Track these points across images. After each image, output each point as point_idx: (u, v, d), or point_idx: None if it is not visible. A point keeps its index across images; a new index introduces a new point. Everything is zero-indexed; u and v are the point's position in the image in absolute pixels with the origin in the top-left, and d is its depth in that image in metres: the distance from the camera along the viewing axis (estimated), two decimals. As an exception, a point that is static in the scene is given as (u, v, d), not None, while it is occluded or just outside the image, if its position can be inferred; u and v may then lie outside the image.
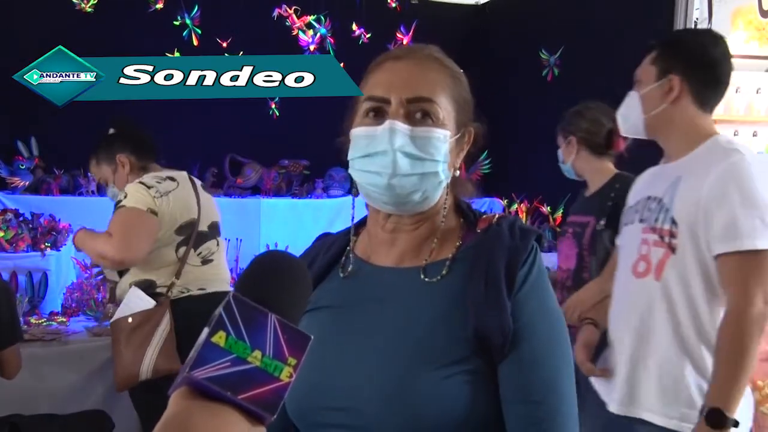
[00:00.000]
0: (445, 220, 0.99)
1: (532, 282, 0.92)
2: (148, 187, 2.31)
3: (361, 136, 0.94)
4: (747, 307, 1.50)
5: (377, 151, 0.92)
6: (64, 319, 3.04)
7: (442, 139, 0.93)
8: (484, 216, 1.00)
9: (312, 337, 0.58)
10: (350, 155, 0.96)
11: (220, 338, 0.56)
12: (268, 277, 0.64)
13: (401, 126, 0.91)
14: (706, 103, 1.72)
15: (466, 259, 0.95)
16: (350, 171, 0.97)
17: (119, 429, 2.56)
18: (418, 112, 0.93)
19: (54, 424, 2.36)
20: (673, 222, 1.62)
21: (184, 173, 2.52)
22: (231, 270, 3.44)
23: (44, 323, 2.98)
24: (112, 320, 2.35)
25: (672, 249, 1.62)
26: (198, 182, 2.56)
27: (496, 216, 1.00)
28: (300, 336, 0.58)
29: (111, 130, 2.50)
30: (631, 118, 1.81)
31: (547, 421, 0.91)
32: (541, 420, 0.91)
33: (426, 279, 0.95)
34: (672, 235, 1.62)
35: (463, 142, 1.00)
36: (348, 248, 1.03)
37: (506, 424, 0.92)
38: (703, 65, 1.71)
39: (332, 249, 1.04)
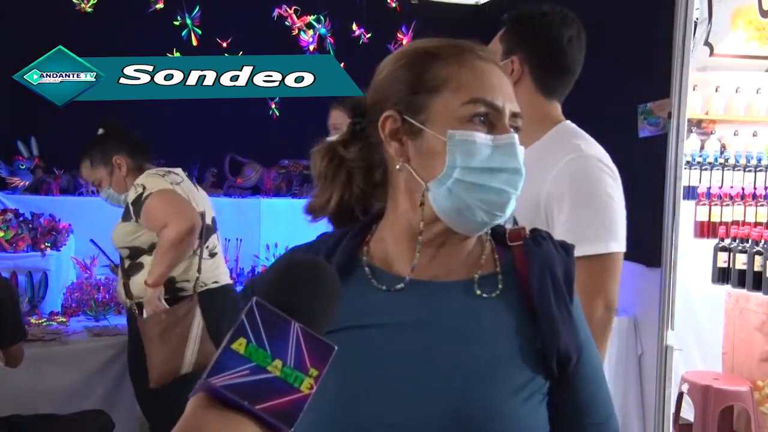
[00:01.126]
0: None
1: (576, 295, 0.92)
2: (161, 176, 2.36)
3: (484, 145, 0.84)
4: (588, 314, 1.46)
5: (508, 167, 0.85)
6: (64, 319, 3.04)
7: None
8: (512, 229, 0.94)
9: (336, 347, 0.56)
10: (457, 162, 0.84)
11: (240, 345, 0.54)
12: (295, 283, 0.61)
13: (523, 149, 0.87)
14: (551, 91, 1.58)
15: (509, 273, 0.90)
16: (443, 179, 0.85)
17: (119, 429, 2.56)
18: (516, 128, 0.87)
19: (54, 424, 2.36)
20: (515, 222, 1.55)
21: (180, 170, 2.55)
22: (231, 270, 3.44)
23: (44, 323, 2.97)
24: (143, 319, 2.36)
25: None
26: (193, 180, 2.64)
27: (525, 228, 0.94)
28: (323, 346, 0.56)
29: (100, 131, 2.50)
30: None
31: None
32: None
33: (482, 294, 0.88)
34: None
35: None
36: (364, 258, 0.92)
37: None
38: (547, 49, 1.56)
39: (338, 254, 0.91)
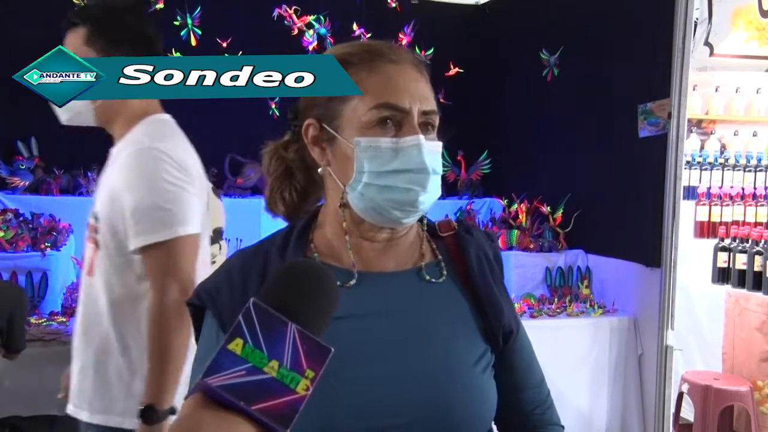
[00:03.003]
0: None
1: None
2: None
3: (389, 149, 0.88)
4: (162, 298, 1.49)
5: (410, 167, 0.88)
6: (64, 319, 3.04)
7: (440, 150, 0.93)
8: (441, 222, 1.03)
9: (333, 349, 0.56)
10: (365, 167, 0.88)
11: (236, 346, 0.54)
12: (292, 286, 0.62)
13: (427, 142, 0.89)
14: None
15: (446, 261, 0.98)
16: (354, 184, 0.89)
17: (119, 429, 2.56)
18: (429, 125, 0.91)
19: (54, 424, 2.36)
20: (96, 216, 1.58)
21: None
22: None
23: (44, 323, 2.97)
24: None
25: (97, 244, 1.57)
26: (209, 185, 2.56)
27: (452, 221, 1.03)
28: (320, 348, 0.56)
29: None
30: (75, 107, 1.67)
31: (549, 397, 1.03)
32: (545, 397, 1.02)
33: (431, 279, 0.95)
34: (95, 230, 1.58)
35: None
36: (315, 254, 0.95)
37: (507, 411, 0.98)
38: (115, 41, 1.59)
39: (290, 251, 0.93)
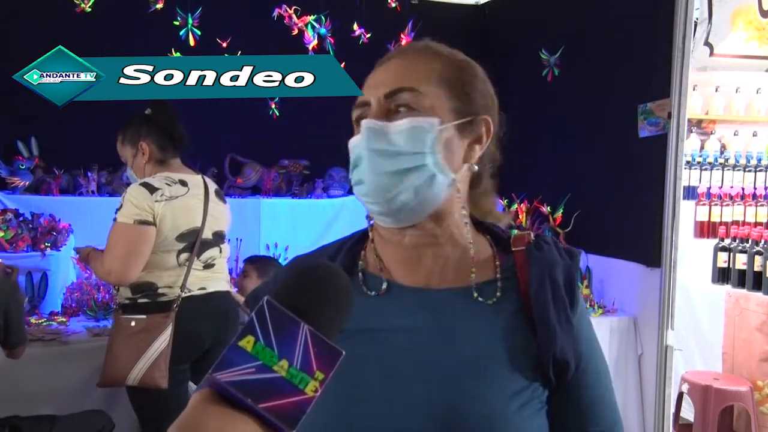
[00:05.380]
0: (471, 237, 0.91)
1: (581, 301, 0.89)
2: (154, 190, 2.29)
3: (351, 149, 0.88)
4: None
5: (356, 156, 0.86)
6: (64, 319, 3.04)
7: (427, 128, 0.83)
8: (516, 234, 0.93)
9: (344, 352, 0.56)
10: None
11: (248, 343, 0.54)
12: (307, 286, 0.61)
13: (373, 123, 0.84)
14: None
15: (509, 279, 0.89)
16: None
17: (119, 429, 2.56)
18: (402, 106, 0.84)
19: (54, 424, 2.36)
20: None
21: (199, 178, 2.50)
22: (231, 270, 3.44)
23: (44, 323, 2.97)
24: (117, 317, 2.36)
25: None
26: (213, 188, 2.53)
27: (530, 234, 0.93)
28: (331, 351, 0.56)
29: (147, 110, 2.45)
30: None
31: None
32: None
33: (481, 300, 0.87)
34: None
35: (473, 133, 0.89)
36: (360, 263, 0.93)
37: None
38: None
39: (338, 261, 0.92)
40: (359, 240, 0.95)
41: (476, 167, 0.90)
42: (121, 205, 2.27)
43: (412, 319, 0.86)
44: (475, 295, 0.87)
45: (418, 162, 0.83)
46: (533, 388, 0.83)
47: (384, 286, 0.89)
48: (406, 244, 0.89)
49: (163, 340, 2.28)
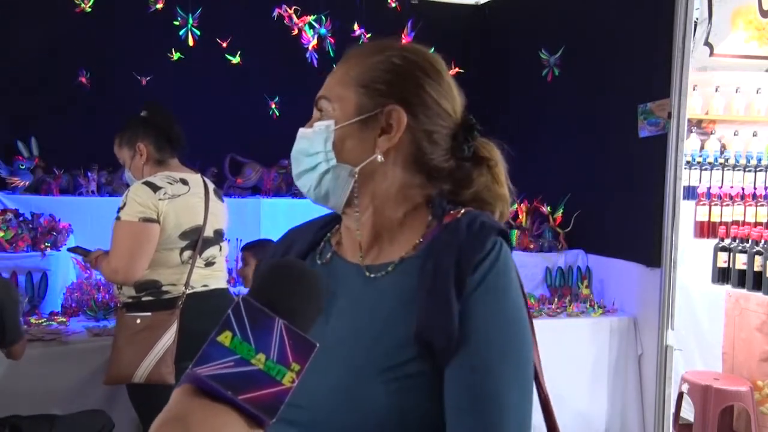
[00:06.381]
0: (406, 213, 0.94)
1: (488, 284, 0.85)
2: (157, 188, 2.30)
3: None
4: None
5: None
6: (64, 319, 3.04)
7: (323, 130, 0.94)
8: (454, 210, 0.93)
9: (318, 344, 0.59)
10: None
11: (225, 338, 0.57)
12: (280, 283, 0.65)
13: (300, 130, 0.98)
14: None
15: (421, 256, 0.89)
16: None
17: (119, 429, 2.56)
18: (321, 111, 0.96)
19: (54, 424, 2.36)
20: None
21: (199, 177, 2.51)
22: (230, 270, 3.44)
23: (44, 323, 2.97)
24: (122, 316, 2.36)
25: None
26: (212, 187, 2.55)
27: (463, 210, 0.93)
28: (306, 343, 0.58)
29: (143, 113, 2.47)
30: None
31: None
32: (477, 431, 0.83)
33: (370, 275, 0.92)
34: None
35: (378, 124, 0.93)
36: (328, 235, 1.04)
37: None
38: None
39: (312, 234, 1.05)
40: (331, 220, 1.07)
41: (381, 157, 0.93)
42: (124, 204, 2.27)
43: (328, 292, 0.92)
44: (367, 273, 0.93)
45: (316, 161, 0.95)
46: (410, 363, 0.83)
47: (328, 256, 0.99)
48: (345, 224, 0.99)
49: (168, 337, 2.29)
